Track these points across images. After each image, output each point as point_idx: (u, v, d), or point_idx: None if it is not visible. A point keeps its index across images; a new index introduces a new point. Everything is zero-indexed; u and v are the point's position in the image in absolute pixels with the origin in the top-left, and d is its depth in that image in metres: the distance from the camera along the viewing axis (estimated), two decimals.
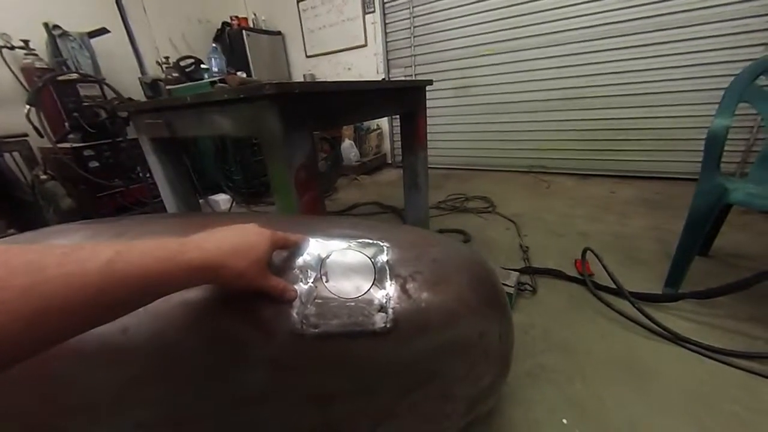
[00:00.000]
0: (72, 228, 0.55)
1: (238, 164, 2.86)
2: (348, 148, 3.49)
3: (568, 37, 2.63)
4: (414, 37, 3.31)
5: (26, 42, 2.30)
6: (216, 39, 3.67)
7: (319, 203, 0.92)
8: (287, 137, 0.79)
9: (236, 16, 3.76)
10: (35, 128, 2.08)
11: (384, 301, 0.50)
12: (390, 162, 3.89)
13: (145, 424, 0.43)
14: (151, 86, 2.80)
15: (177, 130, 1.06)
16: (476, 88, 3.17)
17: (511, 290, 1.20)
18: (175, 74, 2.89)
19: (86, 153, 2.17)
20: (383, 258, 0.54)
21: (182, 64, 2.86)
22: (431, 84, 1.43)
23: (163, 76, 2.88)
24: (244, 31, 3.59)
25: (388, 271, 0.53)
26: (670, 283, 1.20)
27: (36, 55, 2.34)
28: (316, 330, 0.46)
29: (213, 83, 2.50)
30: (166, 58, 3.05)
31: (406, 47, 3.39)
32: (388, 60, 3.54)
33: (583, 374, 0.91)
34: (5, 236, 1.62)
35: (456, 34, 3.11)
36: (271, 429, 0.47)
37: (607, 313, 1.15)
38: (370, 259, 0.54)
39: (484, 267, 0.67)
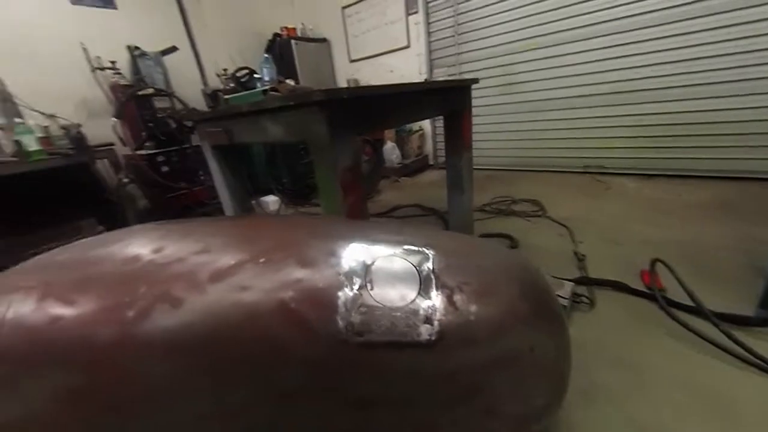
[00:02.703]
0: (147, 228, 0.61)
1: (286, 168, 3.00)
2: (390, 150, 3.50)
3: (626, 25, 2.39)
4: (458, 35, 3.23)
5: (113, 63, 2.65)
6: (268, 50, 3.91)
7: (363, 205, 0.92)
8: (334, 141, 0.81)
9: (286, 27, 3.97)
10: (119, 138, 2.38)
11: (429, 312, 0.48)
12: (432, 163, 3.84)
13: (202, 414, 0.46)
14: (212, 96, 3.05)
15: (234, 137, 1.14)
16: (522, 85, 3.00)
17: (566, 302, 1.11)
18: (232, 84, 3.13)
19: (159, 159, 2.44)
20: (428, 266, 0.53)
21: (238, 75, 3.09)
22: (477, 83, 1.38)
23: (221, 86, 3.15)
24: (292, 41, 3.78)
25: (433, 281, 0.51)
26: (766, 303, 1.02)
27: (121, 73, 2.68)
28: (360, 338, 0.46)
29: (264, 91, 2.66)
30: (225, 70, 3.30)
31: (450, 46, 3.32)
32: (431, 60, 3.49)
33: (648, 398, 0.81)
34: (97, 233, 1.87)
35: (500, 29, 2.98)
36: (314, 428, 0.48)
37: (680, 333, 1.01)
38: (415, 267, 0.53)
39: (537, 276, 0.62)
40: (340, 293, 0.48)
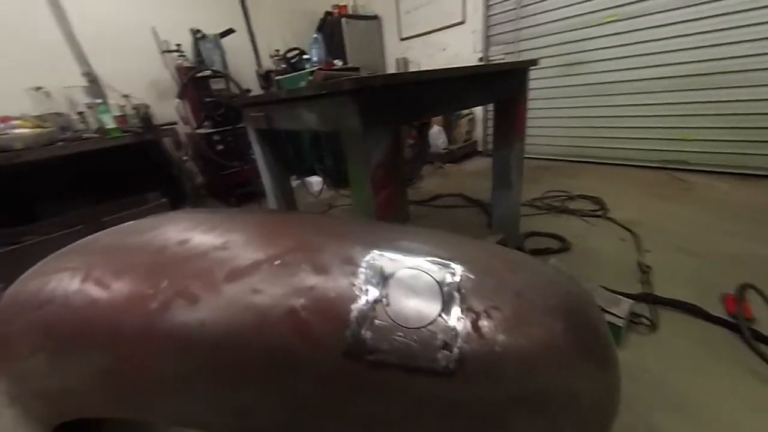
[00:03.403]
0: (179, 217, 0.63)
1: (329, 149, 3.03)
2: (436, 134, 3.35)
3: None
4: (520, 7, 2.90)
5: (179, 46, 2.83)
6: (319, 29, 3.89)
7: (395, 202, 0.88)
8: (366, 134, 0.76)
9: (337, 5, 3.90)
10: (181, 117, 2.57)
11: (449, 337, 0.43)
12: (481, 150, 3.62)
13: (213, 409, 0.48)
14: (265, 77, 3.15)
15: (274, 123, 1.15)
16: (591, 64, 2.64)
17: (620, 321, 0.97)
18: (283, 65, 3.20)
19: (215, 138, 2.60)
20: (454, 284, 0.47)
21: (289, 55, 3.14)
22: (536, 64, 1.22)
23: (274, 67, 3.22)
24: (343, 19, 3.71)
25: (458, 302, 0.46)
26: None
27: (185, 56, 2.86)
28: (371, 356, 0.43)
29: (311, 73, 2.67)
30: (277, 50, 3.37)
31: (509, 21, 3.01)
32: (487, 37, 3.21)
33: None
34: (159, 203, 2.07)
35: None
36: None
37: (767, 376, 0.84)
38: (438, 283, 0.47)
39: (587, 307, 0.53)
40: (353, 306, 0.45)
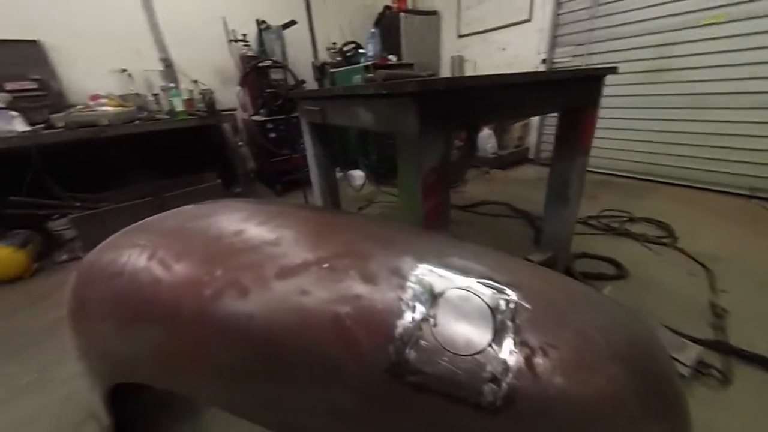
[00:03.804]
0: (236, 206, 0.66)
1: (375, 145, 3.04)
2: (486, 137, 3.22)
3: None
4: (597, 5, 2.65)
5: (244, 36, 2.98)
6: (376, 23, 3.90)
7: (444, 210, 0.85)
8: (422, 137, 0.74)
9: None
10: (241, 104, 2.72)
11: (499, 370, 0.40)
12: (532, 158, 3.42)
13: (256, 400, 0.49)
14: (320, 69, 3.22)
15: (328, 118, 1.16)
16: (678, 72, 2.34)
17: (685, 370, 0.86)
18: (338, 58, 3.25)
19: (268, 126, 2.72)
20: (508, 313, 0.44)
21: (345, 49, 3.18)
22: (615, 72, 1.10)
23: (329, 60, 3.29)
24: (401, 14, 3.67)
25: (511, 332, 0.42)
26: None
27: (249, 45, 3.01)
28: (413, 378, 0.41)
29: (366, 68, 2.68)
30: (334, 43, 3.44)
31: (582, 20, 2.77)
32: (553, 37, 2.99)
33: None
34: (214, 184, 2.22)
35: None
36: None
37: None
38: (491, 309, 0.44)
39: (659, 355, 0.47)
40: (398, 321, 0.43)
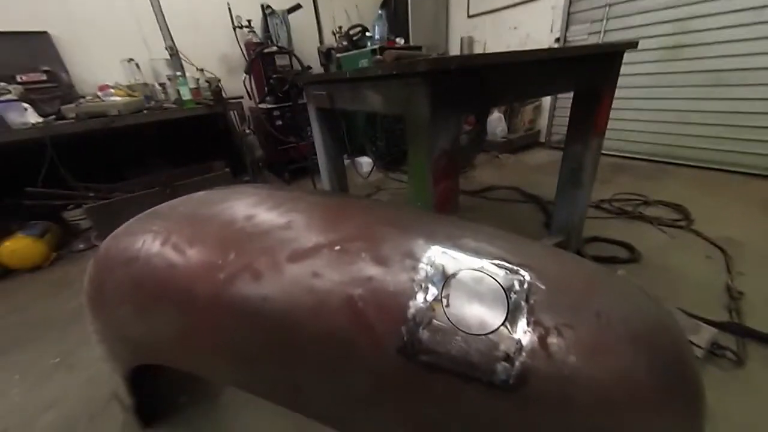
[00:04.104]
0: (247, 192, 0.66)
1: (383, 131, 3.00)
2: (496, 121, 3.15)
3: None
4: None
5: (249, 21, 2.93)
6: (383, 5, 3.78)
7: (455, 194, 0.83)
8: (434, 119, 0.72)
9: None
10: (247, 92, 2.70)
11: (512, 350, 0.40)
12: (543, 141, 3.34)
13: (273, 378, 0.50)
14: (326, 54, 3.16)
15: (336, 102, 1.14)
16: (700, 48, 2.22)
17: (699, 352, 0.85)
18: (345, 42, 3.18)
19: (275, 113, 2.70)
20: (522, 293, 0.43)
21: (351, 33, 3.11)
22: (635, 47, 1.05)
23: (335, 44, 3.22)
24: None
25: (525, 312, 0.42)
26: None
27: (254, 32, 2.96)
28: (425, 357, 0.41)
29: (374, 51, 2.62)
30: (340, 27, 3.36)
31: None
32: (568, 14, 2.87)
33: None
34: (222, 173, 2.23)
35: None
36: (367, 430, 0.48)
37: None
38: (504, 289, 0.44)
39: (678, 340, 0.46)
40: (411, 302, 0.43)
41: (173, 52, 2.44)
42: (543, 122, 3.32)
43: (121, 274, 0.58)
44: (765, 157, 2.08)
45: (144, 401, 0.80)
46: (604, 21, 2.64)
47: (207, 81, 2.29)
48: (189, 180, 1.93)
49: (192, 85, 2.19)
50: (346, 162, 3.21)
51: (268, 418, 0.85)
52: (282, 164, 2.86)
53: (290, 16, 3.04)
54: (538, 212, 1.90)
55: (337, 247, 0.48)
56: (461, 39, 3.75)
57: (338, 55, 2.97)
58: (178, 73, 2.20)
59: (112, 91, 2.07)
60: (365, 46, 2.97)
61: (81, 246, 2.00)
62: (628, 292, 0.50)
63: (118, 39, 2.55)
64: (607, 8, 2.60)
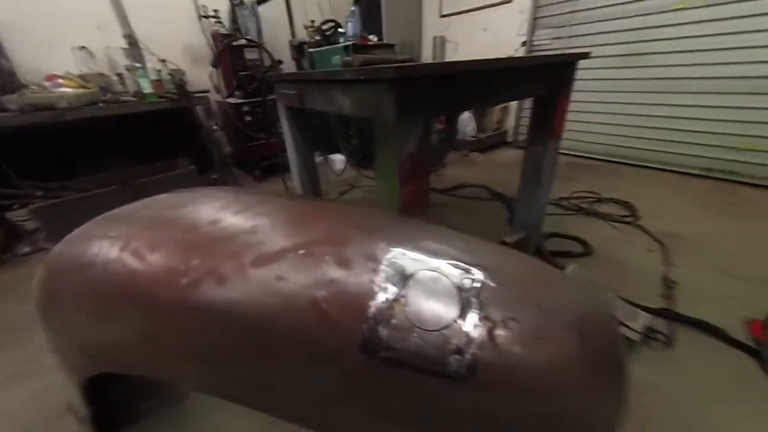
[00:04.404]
0: (213, 195, 0.66)
1: (356, 129, 3.00)
2: (465, 120, 3.25)
3: None
4: None
5: (216, 11, 2.81)
6: (356, 1, 3.75)
7: (422, 196, 0.87)
8: (400, 123, 0.75)
9: None
10: (214, 86, 2.60)
11: (463, 343, 0.44)
12: (510, 141, 3.48)
13: (238, 381, 0.51)
14: (297, 49, 3.10)
15: (305, 102, 1.14)
16: (649, 57, 2.42)
17: (635, 336, 0.95)
18: (317, 37, 3.13)
19: (244, 108, 2.62)
20: (473, 290, 0.47)
21: (324, 28, 3.07)
22: (587, 57, 1.14)
23: (307, 39, 3.16)
24: None
25: (475, 308, 0.46)
26: None
27: (221, 22, 2.84)
28: (385, 353, 0.44)
29: (347, 47, 2.60)
30: (312, 21, 3.30)
31: (564, 1, 2.78)
32: (534, 19, 3.00)
33: None
34: (188, 170, 2.14)
35: None
36: (335, 425, 0.50)
37: None
38: (457, 288, 0.47)
39: (609, 328, 0.52)
40: (371, 302, 0.46)
41: (132, 41, 2.31)
42: (510, 122, 3.46)
43: (76, 280, 0.56)
44: (702, 159, 2.31)
45: (102, 411, 0.77)
46: (567, 28, 2.79)
47: (170, 73, 2.18)
48: (151, 178, 1.84)
49: (153, 77, 2.08)
50: (320, 159, 3.19)
51: (235, 421, 0.85)
52: (252, 161, 2.79)
53: (260, 8, 2.95)
54: (503, 209, 2.00)
55: (302, 251, 0.50)
56: (434, 39, 3.81)
57: (311, 50, 2.92)
58: (138, 64, 2.09)
59: (61, 81, 1.92)
60: (338, 42, 2.95)
61: (27, 249, 1.85)
62: (568, 286, 0.56)
63: (68, 24, 2.36)
64: (570, 15, 2.75)
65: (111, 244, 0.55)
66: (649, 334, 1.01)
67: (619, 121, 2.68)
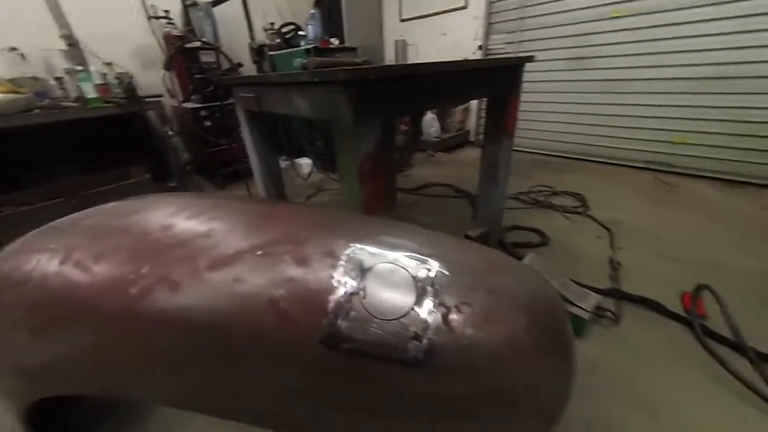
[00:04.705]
0: (163, 201, 0.63)
1: (321, 132, 2.98)
2: (429, 121, 3.33)
3: None
4: None
5: (167, 12, 2.68)
6: (316, 4, 3.74)
7: (383, 195, 0.89)
8: (357, 125, 0.76)
9: None
10: (168, 90, 2.48)
11: (420, 329, 0.46)
12: (473, 140, 3.62)
13: (199, 388, 0.50)
14: (258, 52, 3.02)
15: (264, 106, 1.13)
16: (593, 60, 2.63)
17: (586, 315, 1.03)
18: (277, 40, 3.08)
19: (202, 113, 2.52)
20: (428, 279, 0.50)
21: (283, 30, 3.02)
22: (532, 61, 1.22)
23: (267, 42, 3.10)
24: None
25: (431, 296, 0.48)
26: None
27: (173, 23, 2.72)
28: (346, 345, 0.45)
29: (308, 51, 2.58)
30: (271, 24, 3.24)
31: (513, 8, 2.95)
32: (488, 24, 3.15)
33: None
34: (142, 179, 2.03)
35: None
36: (300, 422, 0.50)
37: (715, 370, 0.92)
38: (413, 278, 0.50)
39: (554, 307, 0.57)
40: (331, 297, 0.47)
41: (71, 42, 2.14)
42: (472, 122, 3.60)
43: (10, 298, 0.52)
44: (643, 153, 2.55)
45: None
46: (518, 33, 2.96)
47: (117, 77, 2.05)
48: (101, 188, 1.72)
49: (98, 81, 1.94)
50: (286, 164, 3.13)
51: None
52: (214, 168, 2.68)
53: (216, 10, 2.85)
54: (468, 206, 2.08)
55: (259, 252, 0.50)
56: (395, 42, 3.87)
57: (271, 53, 2.86)
58: (79, 67, 1.94)
59: None
60: (299, 45, 2.91)
61: None
62: (517, 270, 0.60)
63: None
64: (520, 21, 2.92)
65: (50, 258, 0.51)
66: (599, 312, 1.10)
67: (571, 120, 2.89)
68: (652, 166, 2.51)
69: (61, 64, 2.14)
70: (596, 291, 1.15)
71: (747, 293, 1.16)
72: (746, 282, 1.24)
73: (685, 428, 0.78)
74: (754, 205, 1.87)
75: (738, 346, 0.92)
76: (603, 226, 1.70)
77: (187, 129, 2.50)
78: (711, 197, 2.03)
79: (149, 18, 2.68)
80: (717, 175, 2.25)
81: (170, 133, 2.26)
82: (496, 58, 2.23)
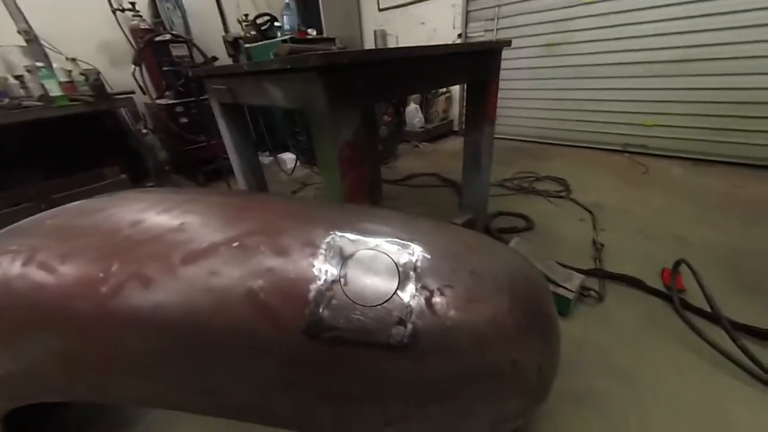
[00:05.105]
0: (133, 197, 0.61)
1: (303, 125, 2.93)
2: (413, 112, 3.32)
3: None
4: None
5: (133, 4, 2.55)
6: None
7: (364, 184, 0.88)
8: (333, 112, 0.75)
9: None
10: (140, 86, 2.37)
11: (404, 313, 0.46)
12: (456, 130, 3.63)
13: (180, 386, 0.48)
14: (233, 44, 2.93)
15: (238, 97, 1.09)
16: (568, 46, 2.65)
17: (571, 295, 1.06)
18: (253, 32, 2.99)
19: (178, 110, 2.43)
20: (410, 264, 0.49)
21: (258, 21, 2.93)
22: (509, 45, 1.22)
23: (242, 33, 3.00)
24: None
25: (413, 280, 0.48)
26: None
27: (141, 16, 2.59)
28: (329, 334, 0.44)
29: (285, 42, 2.52)
30: (246, 15, 3.14)
31: None
32: (467, 12, 3.14)
33: (643, 412, 0.79)
34: (118, 180, 1.95)
35: None
36: (285, 415, 0.50)
37: (693, 341, 0.95)
38: (395, 264, 0.49)
39: (536, 287, 0.57)
40: (311, 286, 0.46)
41: (30, 37, 2.02)
42: (455, 112, 3.60)
43: None
44: (619, 136, 2.60)
45: None
46: (496, 20, 2.96)
47: (83, 73, 1.94)
48: (73, 191, 1.64)
49: (63, 78, 1.84)
50: (269, 159, 3.07)
51: None
52: (193, 166, 2.60)
53: (186, 2, 2.74)
54: (453, 194, 2.09)
55: (235, 244, 0.48)
56: (374, 32, 3.81)
57: (247, 45, 2.78)
58: (40, 64, 1.83)
59: None
60: (275, 37, 2.84)
61: None
62: (499, 252, 0.61)
63: None
64: (497, 9, 2.92)
65: (12, 260, 0.49)
66: (583, 292, 1.13)
67: (550, 105, 2.92)
68: (629, 149, 2.58)
69: (21, 62, 2.02)
70: (581, 272, 1.18)
71: (719, 264, 1.21)
72: (718, 252, 1.30)
73: (664, 394, 0.82)
74: (723, 182, 1.94)
75: (714, 317, 0.96)
76: (585, 209, 1.73)
77: (163, 126, 2.41)
78: (680, 176, 2.10)
79: (114, 11, 2.55)
80: (688, 155, 2.33)
81: (144, 131, 2.17)
82: (472, 43, 2.21)
